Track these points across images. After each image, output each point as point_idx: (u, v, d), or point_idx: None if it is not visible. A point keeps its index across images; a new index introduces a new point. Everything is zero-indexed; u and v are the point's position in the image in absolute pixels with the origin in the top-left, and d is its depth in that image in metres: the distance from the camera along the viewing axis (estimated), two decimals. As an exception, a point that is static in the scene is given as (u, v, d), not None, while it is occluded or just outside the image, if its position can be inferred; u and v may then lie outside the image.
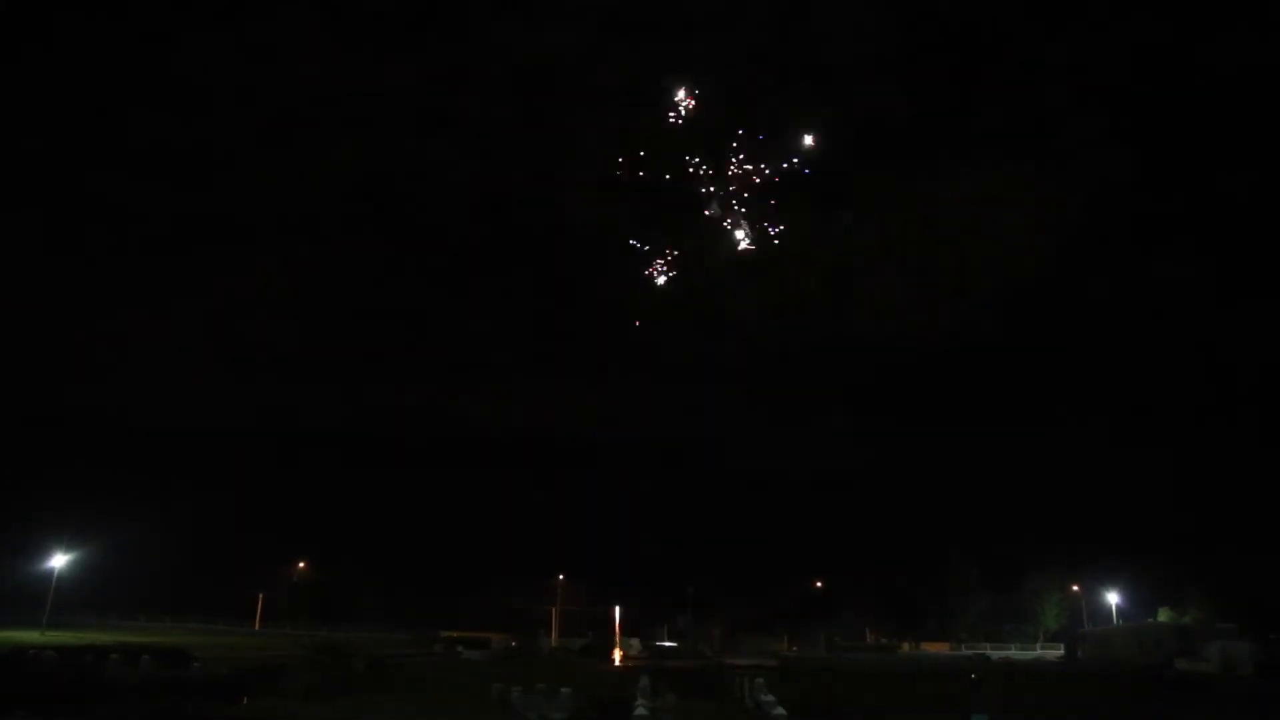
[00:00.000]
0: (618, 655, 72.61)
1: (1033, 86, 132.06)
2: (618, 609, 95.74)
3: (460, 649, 66.10)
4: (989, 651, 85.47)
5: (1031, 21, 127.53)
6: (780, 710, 26.85)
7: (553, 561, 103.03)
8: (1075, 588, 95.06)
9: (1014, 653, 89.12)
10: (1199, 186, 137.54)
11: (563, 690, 28.80)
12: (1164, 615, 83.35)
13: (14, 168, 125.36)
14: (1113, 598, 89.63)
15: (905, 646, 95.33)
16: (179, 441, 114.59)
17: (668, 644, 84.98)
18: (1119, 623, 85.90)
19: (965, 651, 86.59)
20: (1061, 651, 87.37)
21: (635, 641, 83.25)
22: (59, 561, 69.65)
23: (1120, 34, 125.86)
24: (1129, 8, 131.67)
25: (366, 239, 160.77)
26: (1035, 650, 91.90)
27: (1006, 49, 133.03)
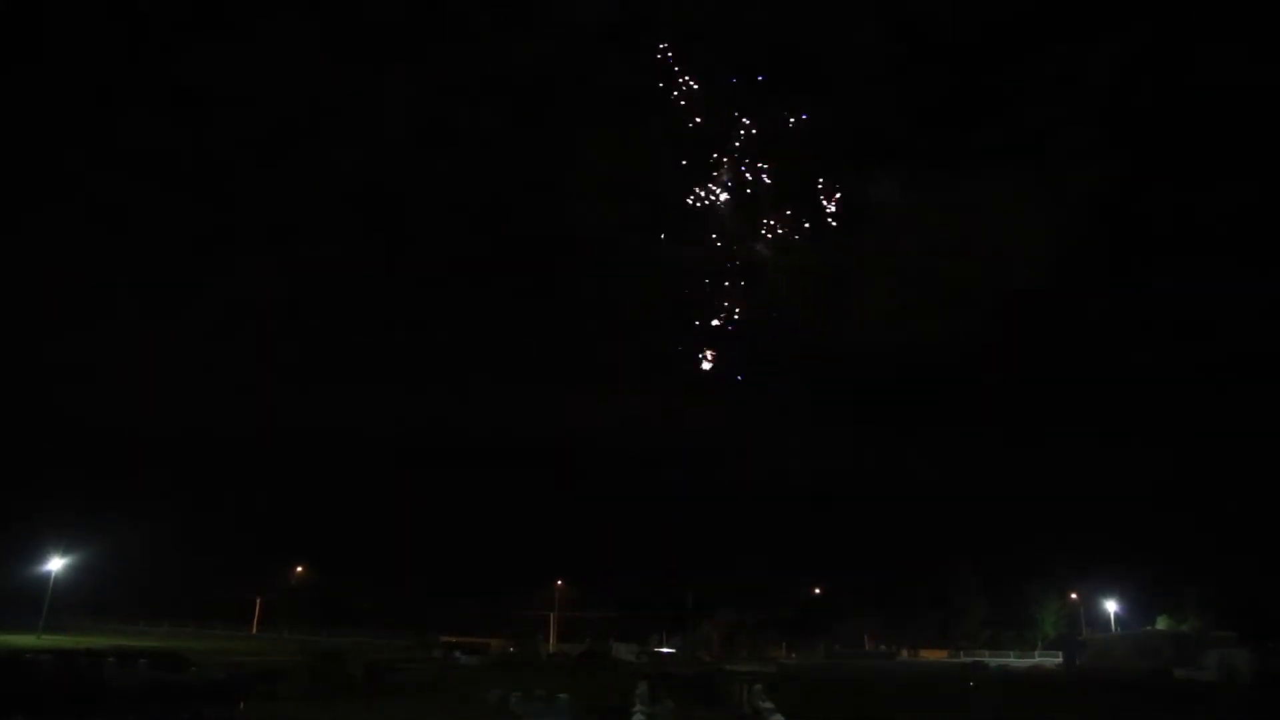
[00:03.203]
0: (616, 661, 72.45)
1: (1027, 97, 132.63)
2: (616, 614, 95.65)
3: (458, 654, 65.94)
4: (987, 659, 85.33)
5: (1026, 33, 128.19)
6: (778, 717, 26.80)
7: (551, 567, 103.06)
8: (1074, 595, 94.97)
9: (1012, 660, 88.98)
10: (1194, 195, 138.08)
11: (560, 696, 28.72)
12: (1163, 623, 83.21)
13: (16, 171, 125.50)
14: (1111, 605, 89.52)
15: (904, 653, 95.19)
16: (177, 444, 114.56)
17: (666, 650, 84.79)
18: (1117, 630, 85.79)
19: (963, 659, 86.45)
20: (1060, 659, 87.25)
21: (634, 646, 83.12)
22: (56, 564, 69.48)
23: (1114, 45, 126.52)
24: (1122, 20, 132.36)
25: (367, 244, 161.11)
26: (1033, 658, 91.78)
27: (1001, 60, 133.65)
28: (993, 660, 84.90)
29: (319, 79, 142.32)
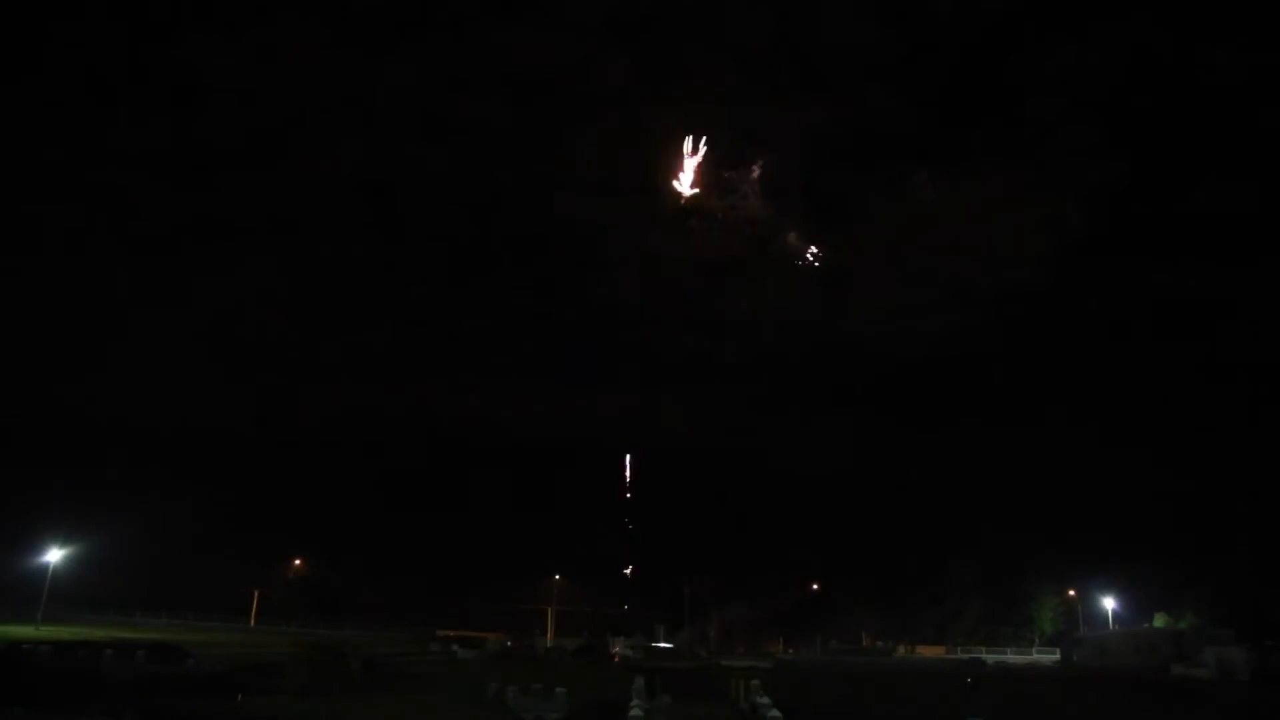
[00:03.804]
0: (614, 655, 72.57)
1: (1029, 95, 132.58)
2: (613, 609, 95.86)
3: (456, 648, 66.07)
4: (984, 655, 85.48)
5: (1027, 31, 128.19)
6: (775, 712, 26.79)
7: (549, 561, 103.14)
8: (1071, 592, 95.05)
9: (1010, 657, 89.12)
10: (1194, 194, 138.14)
11: (558, 690, 28.74)
12: (1160, 620, 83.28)
13: (12, 166, 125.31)
14: (1109, 602, 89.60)
15: (901, 649, 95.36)
16: (176, 438, 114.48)
17: (664, 645, 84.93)
18: (1115, 627, 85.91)
19: (961, 655, 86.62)
20: (1057, 656, 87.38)
21: (632, 641, 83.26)
22: (54, 556, 69.55)
23: (1114, 44, 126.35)
24: (1123, 18, 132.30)
25: (365, 240, 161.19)
26: (1031, 654, 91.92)
27: (1002, 59, 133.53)
28: (990, 657, 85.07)
29: (318, 74, 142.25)
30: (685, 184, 66.28)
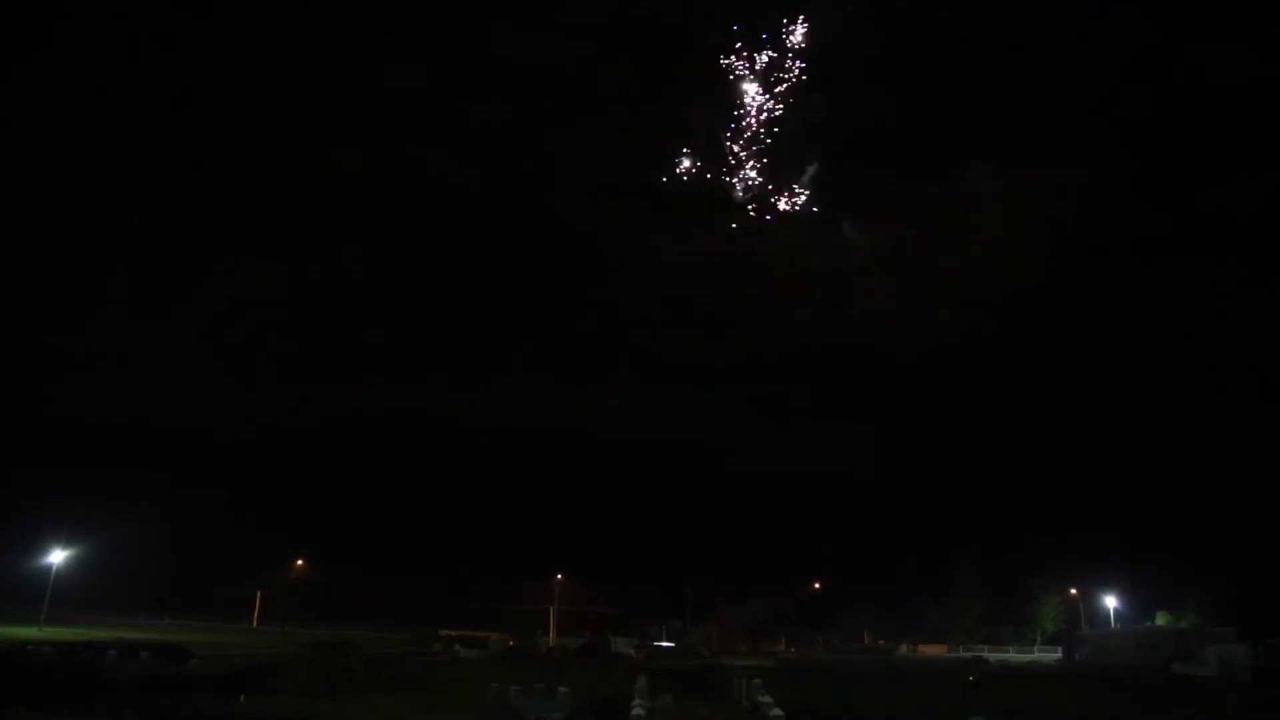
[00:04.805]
0: (615, 655, 72.59)
1: (1028, 94, 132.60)
2: (615, 609, 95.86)
3: (458, 648, 66.17)
4: (986, 654, 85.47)
5: (1026, 29, 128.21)
6: (777, 711, 26.81)
7: (551, 561, 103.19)
8: (1073, 591, 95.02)
9: (1011, 655, 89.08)
10: (1194, 194, 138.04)
11: (560, 689, 28.77)
12: (1162, 619, 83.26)
13: (12, 167, 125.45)
14: (1111, 601, 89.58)
15: (903, 648, 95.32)
16: (179, 439, 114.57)
17: (665, 644, 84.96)
18: (1117, 626, 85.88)
19: (963, 654, 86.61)
20: (1059, 654, 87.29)
21: (634, 640, 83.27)
22: (57, 557, 69.66)
23: (1114, 42, 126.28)
24: (1122, 20, 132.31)
25: (366, 240, 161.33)
26: (1033, 653, 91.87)
27: (1001, 56, 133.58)
28: (992, 655, 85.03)
29: (318, 74, 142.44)
30: (740, 180, 66.49)
